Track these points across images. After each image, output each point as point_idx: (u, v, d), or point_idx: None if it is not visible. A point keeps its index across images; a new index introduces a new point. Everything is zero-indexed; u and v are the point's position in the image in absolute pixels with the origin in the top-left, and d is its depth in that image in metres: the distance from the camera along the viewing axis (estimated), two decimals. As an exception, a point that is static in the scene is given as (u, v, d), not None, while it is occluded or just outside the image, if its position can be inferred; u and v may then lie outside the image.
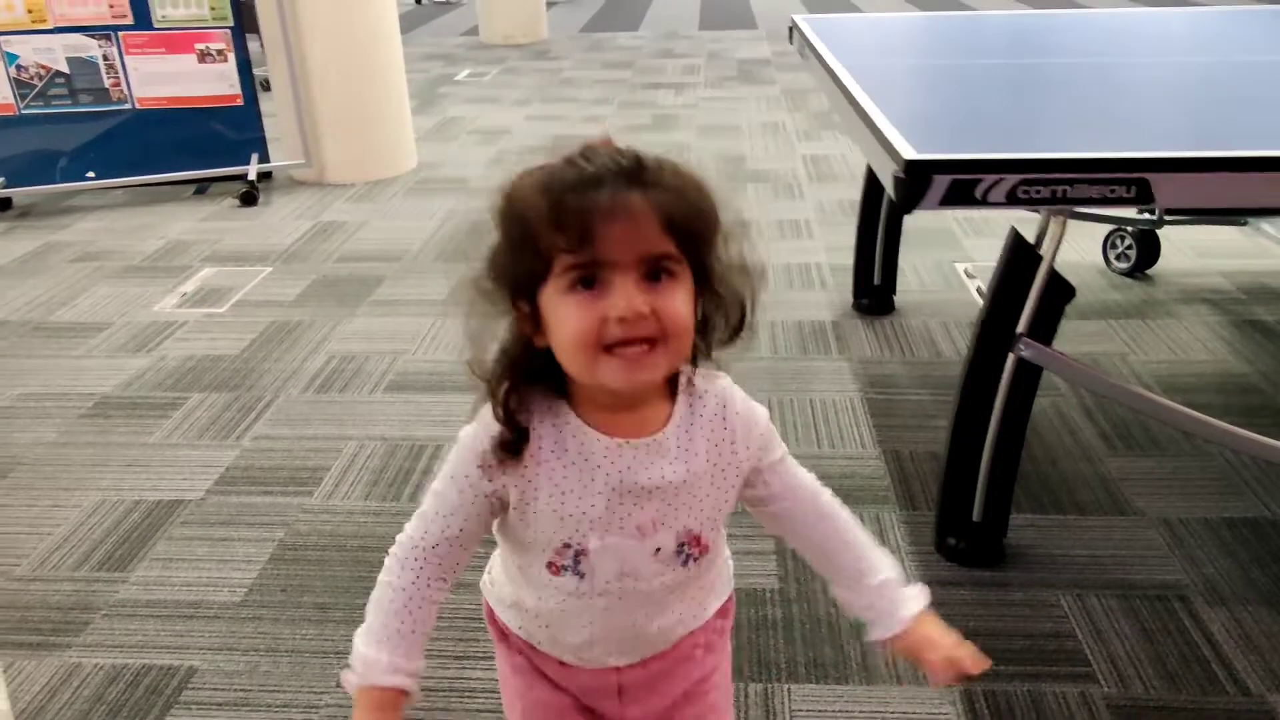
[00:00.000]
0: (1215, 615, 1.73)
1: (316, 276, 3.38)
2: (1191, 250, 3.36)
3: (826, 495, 1.01)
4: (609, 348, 0.77)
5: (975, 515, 1.82)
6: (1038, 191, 1.37)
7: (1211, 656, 1.63)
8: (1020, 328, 1.65)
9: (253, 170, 4.28)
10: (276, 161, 4.46)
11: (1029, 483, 2.08)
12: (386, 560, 0.92)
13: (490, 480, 0.86)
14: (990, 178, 1.35)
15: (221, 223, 3.98)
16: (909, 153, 1.39)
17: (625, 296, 0.76)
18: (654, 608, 0.93)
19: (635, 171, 0.77)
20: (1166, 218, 2.97)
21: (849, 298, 3.05)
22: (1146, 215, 3.02)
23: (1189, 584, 1.80)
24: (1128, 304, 3.00)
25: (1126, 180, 1.36)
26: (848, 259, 3.22)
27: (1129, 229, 3.13)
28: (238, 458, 2.29)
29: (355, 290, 3.25)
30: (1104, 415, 2.37)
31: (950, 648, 0.94)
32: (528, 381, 0.84)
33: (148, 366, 2.76)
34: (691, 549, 0.92)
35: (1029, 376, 1.69)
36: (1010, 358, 1.67)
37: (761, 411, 0.94)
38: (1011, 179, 1.36)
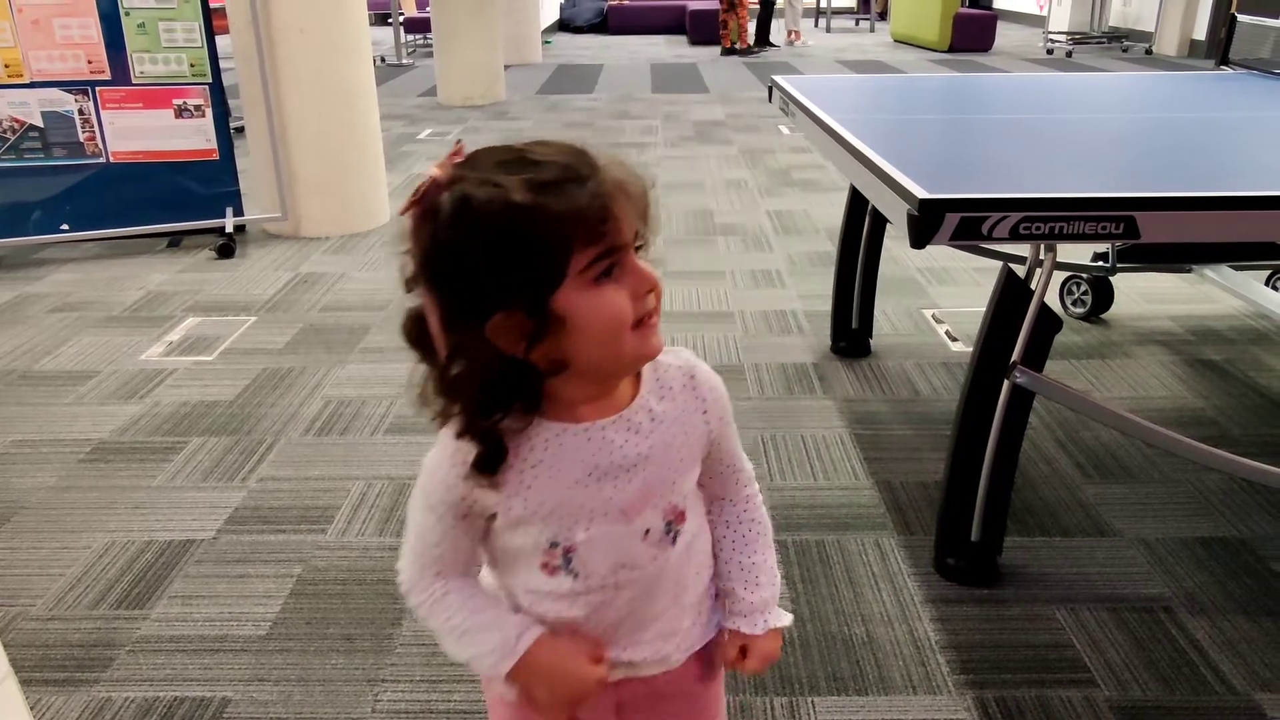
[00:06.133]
0: (1199, 624, 1.85)
1: (303, 325, 3.42)
2: (1140, 296, 3.58)
3: (756, 496, 1.03)
4: (636, 324, 0.80)
5: (973, 535, 1.93)
6: (1038, 228, 1.51)
7: (1199, 661, 1.75)
8: (1014, 357, 1.79)
9: (229, 223, 4.32)
10: (251, 215, 4.50)
11: (1015, 509, 2.19)
12: (409, 602, 0.93)
13: (469, 501, 0.87)
14: (996, 215, 1.49)
15: (200, 274, 4.00)
16: (922, 193, 1.52)
17: (648, 271, 0.80)
18: (649, 596, 0.93)
19: (592, 160, 0.78)
20: (1119, 265, 3.18)
21: (826, 341, 3.19)
22: (1100, 263, 3.23)
23: (1172, 596, 1.93)
24: (1087, 346, 3.18)
25: (1116, 218, 1.50)
26: (820, 305, 3.38)
27: (1084, 276, 3.33)
28: (245, 498, 2.31)
29: (343, 338, 3.30)
30: (1076, 447, 2.52)
31: (768, 660, 1.01)
32: (507, 400, 0.82)
33: (142, 413, 2.76)
34: (677, 524, 0.93)
35: (1023, 402, 1.82)
36: (1005, 385, 1.80)
37: (720, 380, 0.96)
38: (1015, 216, 1.50)
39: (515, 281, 0.76)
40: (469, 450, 0.83)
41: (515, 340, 0.79)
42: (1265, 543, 2.10)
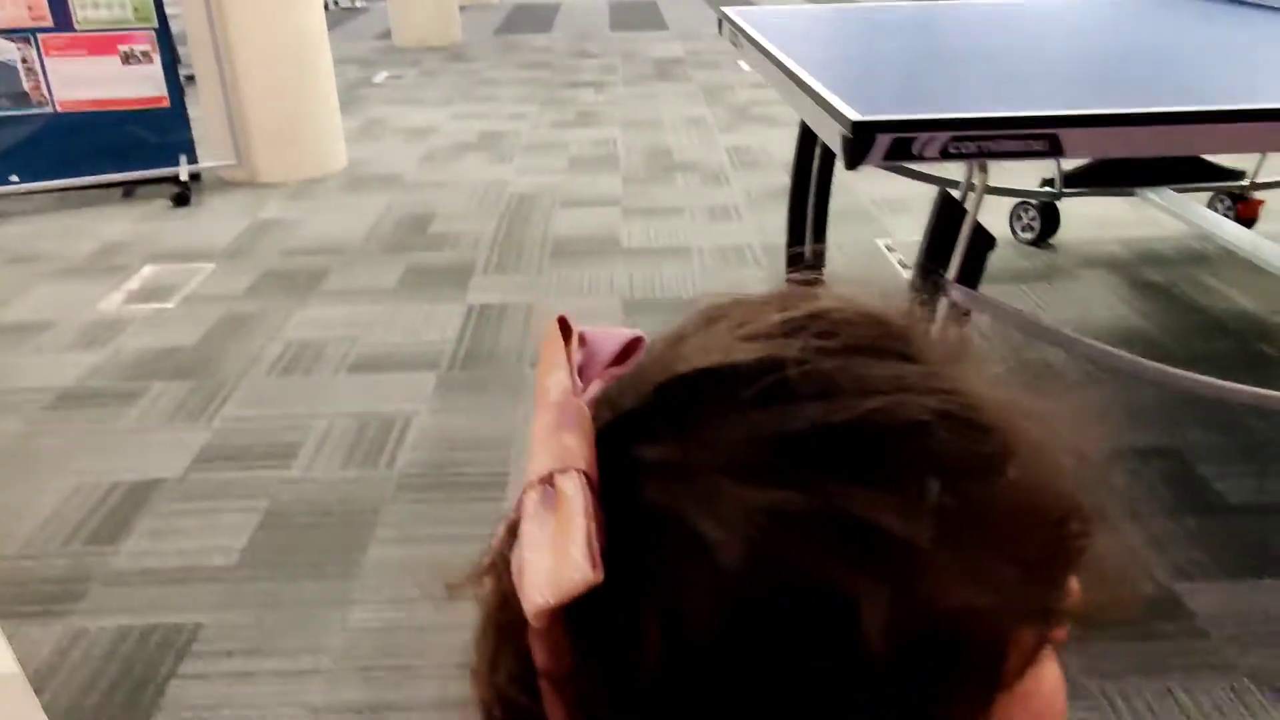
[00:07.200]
0: (1127, 527, 1.95)
1: (263, 270, 3.42)
2: (1087, 222, 3.66)
3: None
4: None
5: (916, 449, 2.02)
6: (966, 147, 1.56)
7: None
8: (950, 275, 1.85)
9: (183, 171, 4.28)
10: (205, 163, 4.46)
11: (959, 425, 2.29)
12: None
13: None
14: (925, 135, 1.54)
15: (156, 223, 3.97)
16: (854, 115, 1.57)
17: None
18: None
19: (974, 399, 0.34)
20: (1065, 190, 3.25)
21: (782, 275, 3.24)
22: (1048, 189, 3.30)
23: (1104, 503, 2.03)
24: (1034, 270, 3.27)
25: (1040, 135, 1.56)
26: (777, 239, 3.43)
27: (1033, 201, 3.40)
28: (211, 438, 2.35)
29: (304, 282, 3.31)
30: (1020, 367, 2.61)
31: None
32: None
33: (103, 360, 2.78)
34: None
35: (959, 321, 1.89)
36: (943, 303, 1.86)
37: None
38: (943, 136, 1.55)
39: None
40: None
41: None
42: (1193, 449, 2.21)
